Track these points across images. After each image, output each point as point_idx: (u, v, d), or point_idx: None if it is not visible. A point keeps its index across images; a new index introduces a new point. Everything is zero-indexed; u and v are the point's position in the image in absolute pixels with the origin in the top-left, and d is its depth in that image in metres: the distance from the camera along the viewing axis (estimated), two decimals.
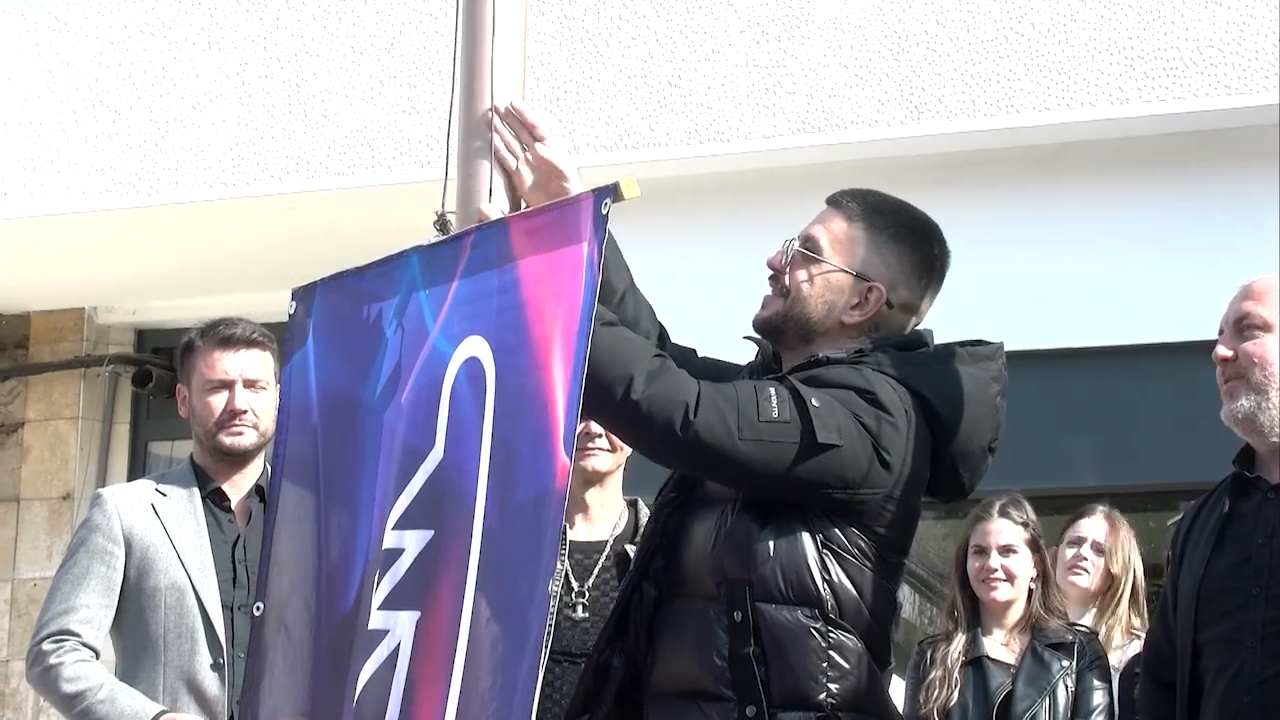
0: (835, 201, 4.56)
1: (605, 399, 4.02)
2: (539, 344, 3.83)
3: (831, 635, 4.17)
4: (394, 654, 4.01)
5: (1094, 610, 7.12)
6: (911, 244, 4.51)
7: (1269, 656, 4.40)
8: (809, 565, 4.15)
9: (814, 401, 4.11)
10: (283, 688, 4.54)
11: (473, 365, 4.02)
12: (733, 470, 4.16)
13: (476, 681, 3.74)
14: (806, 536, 4.17)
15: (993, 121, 8.31)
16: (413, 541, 4.07)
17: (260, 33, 9.29)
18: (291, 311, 4.72)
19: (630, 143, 8.33)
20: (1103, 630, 7.00)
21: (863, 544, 4.20)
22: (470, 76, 4.27)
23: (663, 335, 4.49)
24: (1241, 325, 4.61)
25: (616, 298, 4.35)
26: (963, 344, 4.49)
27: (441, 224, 4.34)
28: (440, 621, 3.90)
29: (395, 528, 4.13)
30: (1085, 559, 7.14)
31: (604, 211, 3.70)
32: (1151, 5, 8.14)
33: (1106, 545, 7.11)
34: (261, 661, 4.57)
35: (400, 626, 4.02)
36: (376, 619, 4.09)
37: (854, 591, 4.19)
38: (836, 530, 4.18)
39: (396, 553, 4.08)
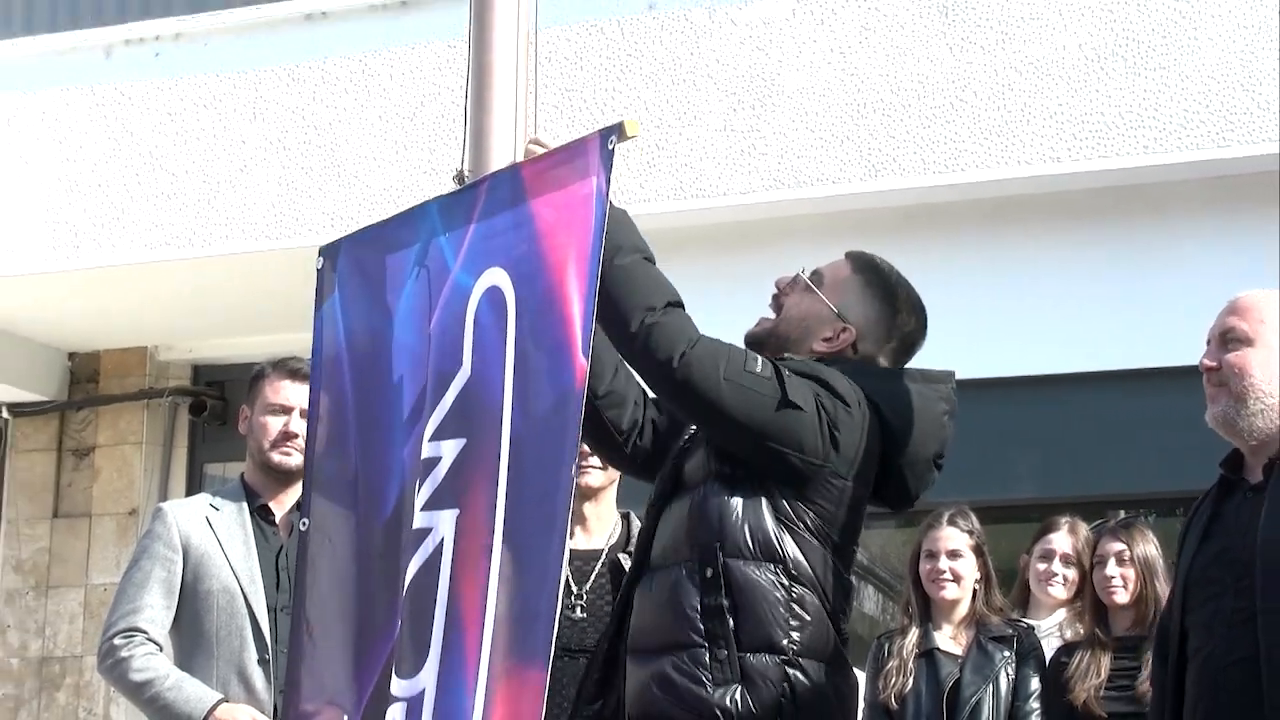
0: (852, 255, 4.67)
1: (623, 321, 4.13)
2: (555, 268, 3.86)
3: (794, 590, 4.18)
4: (438, 548, 4.02)
5: (1065, 612, 7.10)
6: (893, 310, 4.60)
7: (1234, 643, 4.36)
8: (767, 527, 4.18)
9: (786, 374, 4.17)
10: (325, 592, 4.58)
11: (493, 293, 4.04)
12: (713, 411, 4.19)
13: (513, 563, 3.75)
14: (765, 504, 4.19)
15: (941, 179, 8.29)
16: (448, 449, 4.06)
17: (299, 104, 9.28)
18: (320, 266, 4.73)
19: (623, 199, 8.27)
20: (1069, 631, 7.00)
21: (809, 519, 4.22)
22: (479, 142, 4.34)
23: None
24: (1226, 338, 4.56)
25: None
26: (915, 369, 4.55)
27: (459, 180, 4.39)
28: (477, 515, 3.91)
29: (431, 439, 4.13)
30: (1056, 573, 7.11)
31: (610, 148, 3.76)
32: (1079, 76, 8.14)
33: (1074, 555, 7.10)
34: (307, 570, 4.66)
35: (442, 524, 4.02)
36: (419, 519, 4.09)
37: (810, 563, 4.20)
38: (786, 504, 4.19)
39: (434, 461, 4.08)
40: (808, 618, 4.17)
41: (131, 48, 9.78)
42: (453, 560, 3.98)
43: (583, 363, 3.73)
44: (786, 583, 4.16)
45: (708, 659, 4.12)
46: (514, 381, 3.93)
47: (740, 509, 4.19)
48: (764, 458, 4.19)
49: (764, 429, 4.15)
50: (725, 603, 4.14)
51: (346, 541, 4.51)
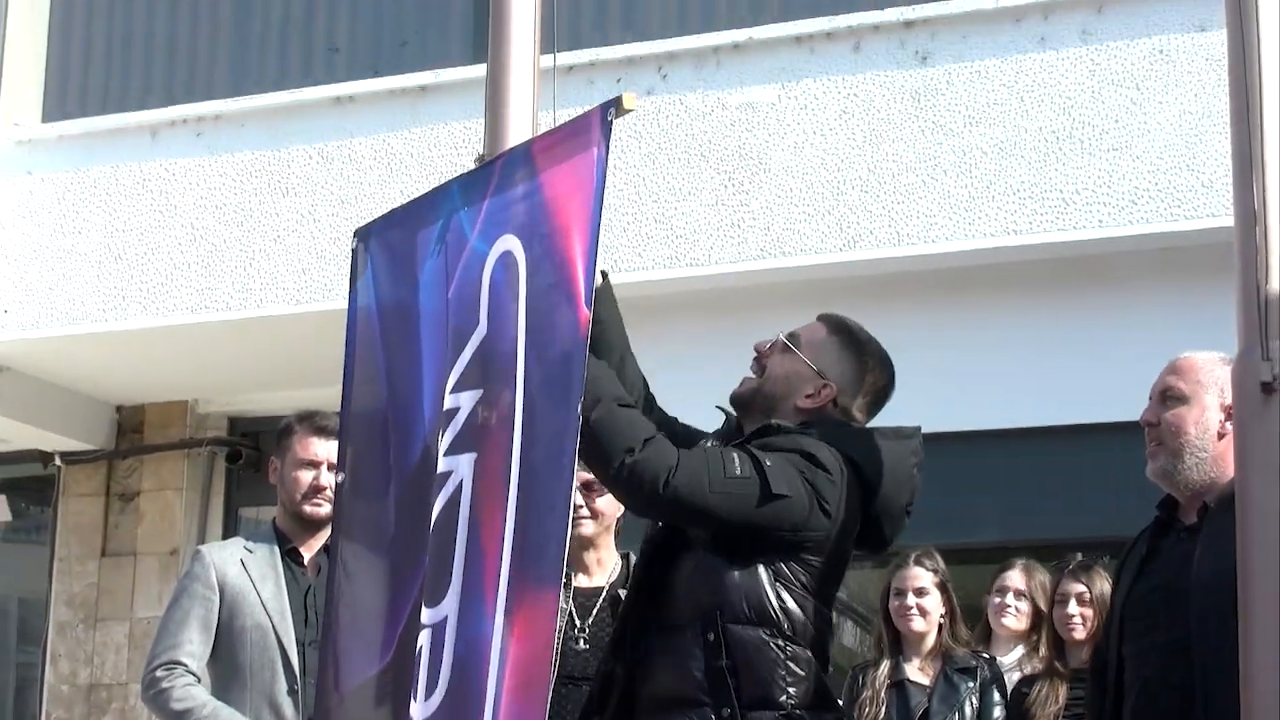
0: (825, 317, 4.70)
1: (606, 464, 4.12)
2: (561, 231, 3.90)
3: (787, 649, 4.21)
4: (458, 488, 4.04)
5: (1024, 647, 7.12)
6: (867, 368, 4.63)
7: (1170, 671, 4.39)
8: (765, 593, 4.21)
9: (767, 461, 4.17)
10: (359, 537, 4.64)
11: (506, 257, 4.07)
12: (705, 517, 4.21)
13: (527, 499, 3.79)
14: (762, 569, 4.22)
15: (913, 250, 8.33)
16: (466, 400, 4.10)
17: (327, 180, 9.31)
18: (354, 248, 4.85)
19: (623, 267, 8.34)
20: (1028, 666, 7.01)
21: (804, 577, 4.25)
22: (495, 126, 4.41)
23: (650, 396, 4.60)
24: (1165, 396, 4.59)
25: (616, 356, 4.46)
26: (887, 427, 4.55)
27: (478, 161, 4.43)
28: (493, 457, 3.94)
29: (452, 392, 4.16)
30: (1009, 605, 7.13)
31: (609, 119, 3.78)
32: (1038, 157, 8.18)
33: (1027, 590, 7.13)
34: (342, 518, 4.73)
35: (461, 466, 4.05)
36: (443, 464, 4.12)
37: (800, 613, 4.23)
38: (783, 565, 4.22)
39: (454, 411, 4.12)
40: (801, 673, 4.21)
41: (175, 129, 9.81)
42: (471, 499, 4.01)
43: (586, 314, 3.75)
44: (781, 643, 4.20)
45: (713, 716, 4.16)
46: (526, 335, 3.97)
47: (737, 577, 4.21)
48: (760, 538, 4.22)
49: (755, 522, 4.18)
50: (726, 664, 4.17)
51: (379, 490, 4.54)
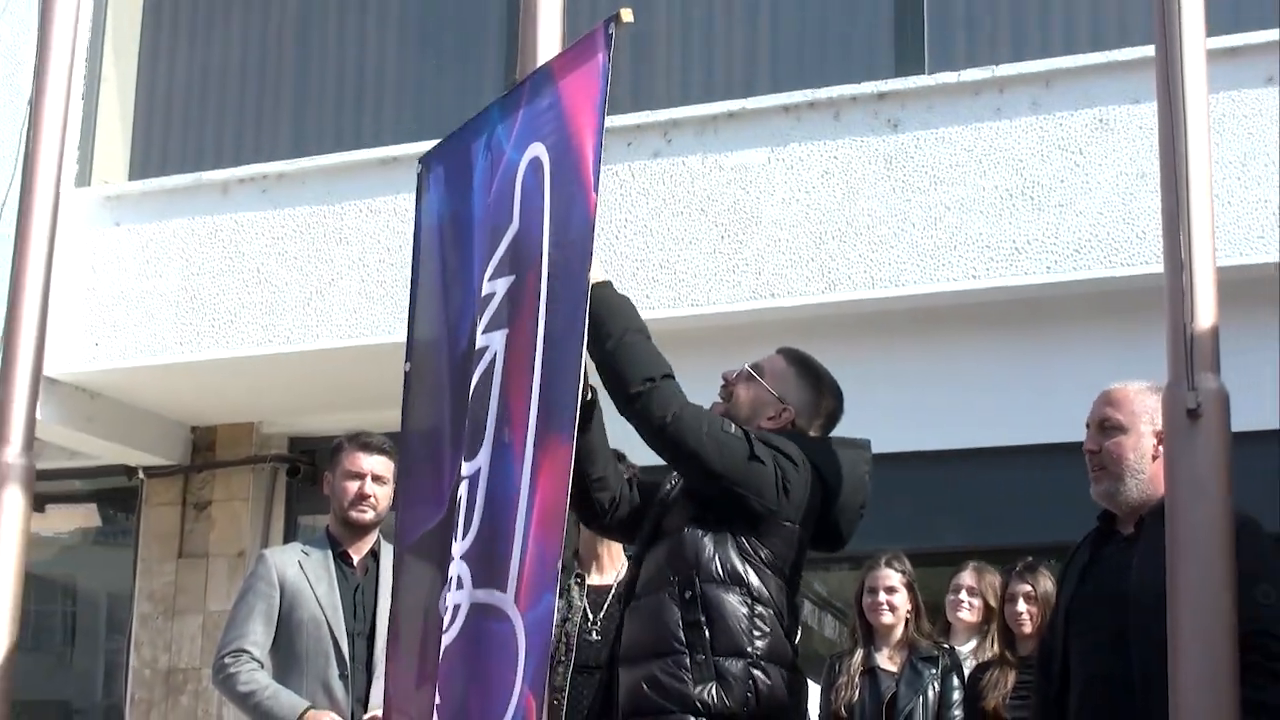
0: (784, 350, 4.72)
1: (625, 386, 4.23)
2: (576, 132, 4.04)
3: (756, 609, 4.22)
4: (492, 360, 4.14)
5: (977, 638, 7.13)
6: (821, 395, 4.69)
7: (1113, 664, 4.37)
8: (734, 561, 4.22)
9: (753, 437, 4.25)
10: (421, 411, 4.71)
11: (535, 162, 4.19)
12: (695, 456, 4.24)
13: (548, 363, 3.90)
14: (730, 541, 4.23)
15: (885, 292, 8.31)
16: (500, 285, 4.18)
17: (375, 230, 9.32)
18: (419, 172, 4.90)
19: None
20: (982, 655, 7.03)
21: (763, 553, 4.27)
22: (525, 58, 4.56)
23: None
24: (1104, 426, 4.58)
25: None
26: (843, 437, 4.64)
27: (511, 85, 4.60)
28: (522, 332, 4.03)
29: (489, 279, 4.24)
30: (963, 601, 7.17)
31: (610, 33, 3.87)
32: (994, 211, 8.16)
33: (979, 589, 7.13)
34: (409, 397, 4.77)
35: (495, 342, 4.14)
36: (480, 341, 4.21)
37: (759, 583, 4.24)
38: (745, 541, 4.25)
39: (490, 295, 4.21)
40: (767, 629, 4.21)
41: (244, 185, 9.82)
42: (503, 368, 4.10)
43: (594, 197, 3.89)
44: (750, 603, 4.20)
45: (688, 662, 4.14)
46: (550, 226, 4.06)
47: (712, 546, 4.23)
48: (730, 500, 4.24)
49: (733, 474, 4.22)
50: (702, 618, 4.17)
51: (434, 370, 4.63)
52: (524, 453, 3.92)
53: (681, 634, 4.16)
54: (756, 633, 4.18)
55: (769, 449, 4.28)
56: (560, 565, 3.74)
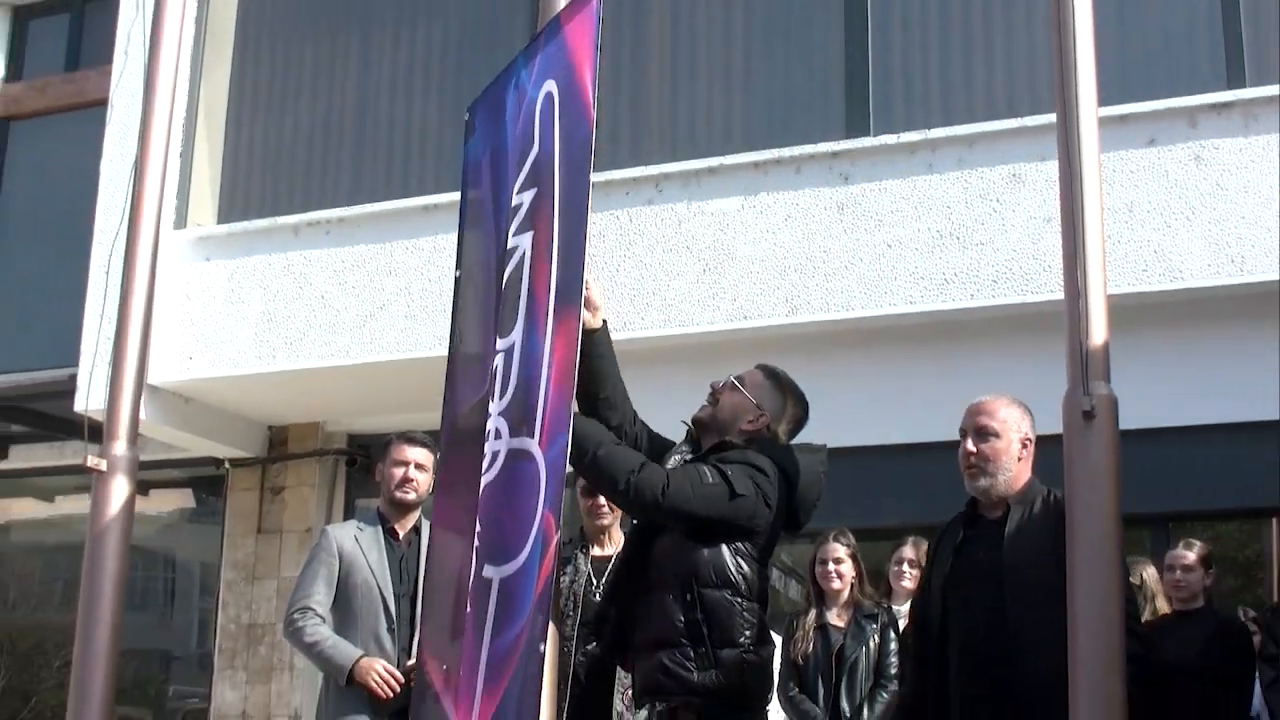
0: (761, 366, 4.74)
1: (614, 485, 4.23)
2: (578, 66, 4.13)
3: (743, 604, 4.26)
4: (522, 257, 4.25)
5: (913, 600, 7.16)
6: (792, 403, 4.70)
7: (989, 627, 4.40)
8: (727, 564, 4.26)
9: (729, 471, 4.23)
10: (469, 308, 4.76)
11: (548, 95, 4.29)
12: (691, 517, 4.24)
13: (562, 253, 4.02)
14: (724, 547, 4.28)
15: (838, 315, 8.32)
16: (526, 196, 4.29)
17: (420, 265, 9.32)
18: (467, 119, 4.98)
19: (629, 328, 8.35)
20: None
21: (752, 550, 4.33)
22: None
23: (634, 411, 4.63)
24: (982, 432, 4.61)
25: (610, 384, 4.54)
26: (804, 444, 4.65)
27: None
28: (543, 231, 4.16)
29: (517, 193, 4.35)
30: (904, 571, 7.18)
31: None
32: (927, 248, 8.18)
33: (916, 559, 7.14)
34: (459, 298, 4.86)
35: (523, 242, 4.24)
36: (511, 242, 4.32)
37: (752, 577, 4.29)
38: (739, 544, 4.28)
39: (519, 206, 4.32)
40: (753, 621, 4.30)
41: (311, 228, 9.82)
42: (530, 261, 4.19)
43: (592, 114, 4.01)
44: (739, 600, 4.26)
45: (691, 654, 4.22)
46: (559, 146, 4.16)
47: (706, 553, 4.28)
48: (723, 528, 4.29)
49: (725, 517, 4.26)
50: (700, 616, 4.23)
51: (481, 274, 4.68)
52: (545, 324, 4.03)
53: (685, 631, 4.23)
54: (745, 626, 4.26)
55: (746, 472, 4.32)
56: (569, 415, 3.86)
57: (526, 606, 3.81)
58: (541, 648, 3.69)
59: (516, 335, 4.20)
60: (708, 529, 4.27)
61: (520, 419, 4.07)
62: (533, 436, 3.98)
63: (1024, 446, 4.59)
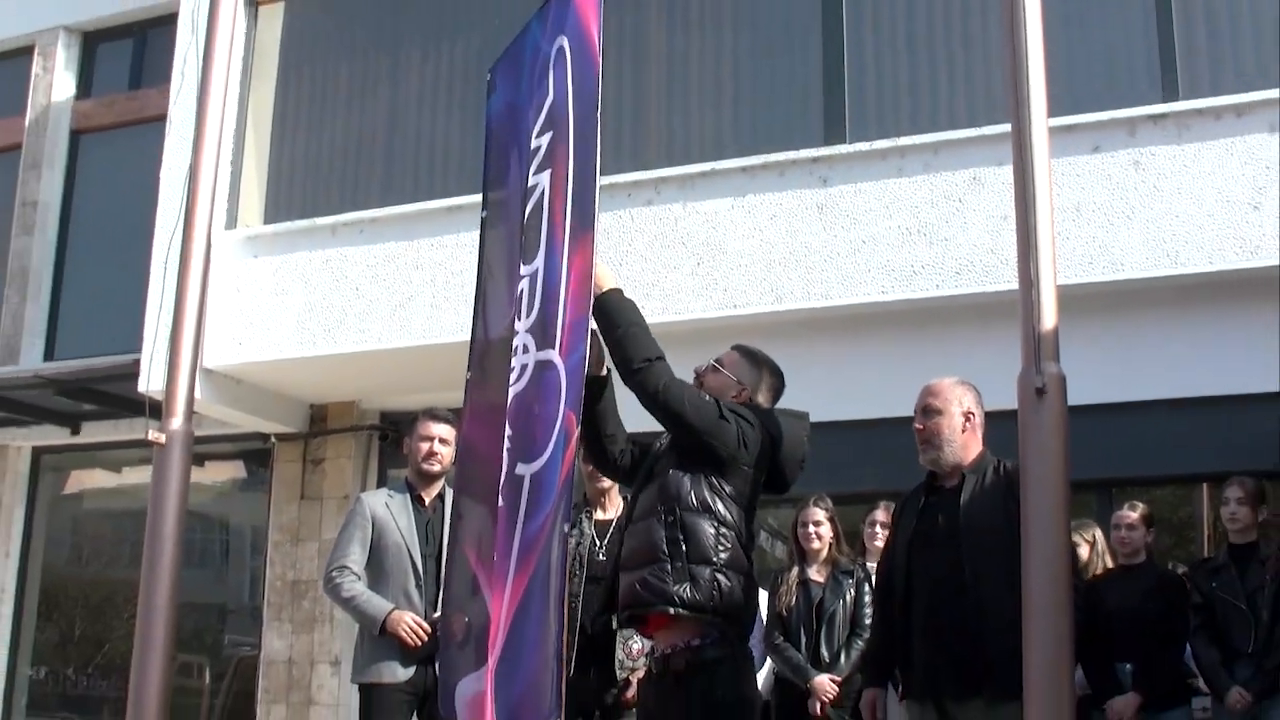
0: (737, 346, 4.71)
1: (628, 364, 4.23)
2: (585, 22, 4.14)
3: (720, 530, 4.21)
4: (541, 193, 4.27)
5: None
6: (767, 373, 4.68)
7: (951, 581, 4.42)
8: (705, 494, 4.21)
9: (721, 404, 4.27)
10: (496, 248, 4.70)
11: (560, 49, 4.32)
12: (679, 415, 4.23)
13: (576, 182, 4.03)
14: (704, 480, 4.23)
15: (819, 303, 8.32)
16: (545, 140, 4.29)
17: (443, 259, 9.28)
18: (488, 80, 4.92)
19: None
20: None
21: (728, 489, 4.27)
22: None
23: (626, 435, 4.60)
24: (927, 411, 4.67)
25: (614, 420, 4.53)
26: (789, 409, 4.63)
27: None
28: (559, 166, 4.16)
29: (536, 137, 4.35)
30: (876, 532, 7.15)
31: None
32: (898, 244, 8.16)
33: (887, 521, 7.11)
34: (486, 238, 4.80)
35: (543, 180, 4.27)
36: (531, 180, 4.33)
37: (729, 514, 4.25)
38: (715, 480, 4.24)
39: (538, 149, 4.34)
40: (729, 546, 4.22)
41: (346, 228, 9.83)
42: (549, 195, 4.21)
43: (598, 60, 4.02)
44: (716, 525, 4.21)
45: (669, 568, 4.16)
46: (572, 92, 4.18)
47: (689, 483, 4.25)
48: (703, 448, 4.26)
49: (706, 427, 4.23)
50: (680, 536, 4.19)
51: (505, 214, 4.65)
52: (563, 248, 4.06)
53: (665, 547, 4.18)
54: (720, 548, 4.19)
55: (733, 413, 4.31)
56: (587, 325, 3.91)
57: (552, 495, 3.85)
58: (564, 527, 3.76)
59: (539, 261, 4.21)
60: (691, 441, 4.25)
61: (543, 333, 4.10)
62: (554, 348, 4.02)
63: (967, 420, 4.64)
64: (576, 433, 3.82)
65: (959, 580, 4.38)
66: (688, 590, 4.13)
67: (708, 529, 4.20)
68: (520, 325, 4.25)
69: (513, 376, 4.23)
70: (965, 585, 4.33)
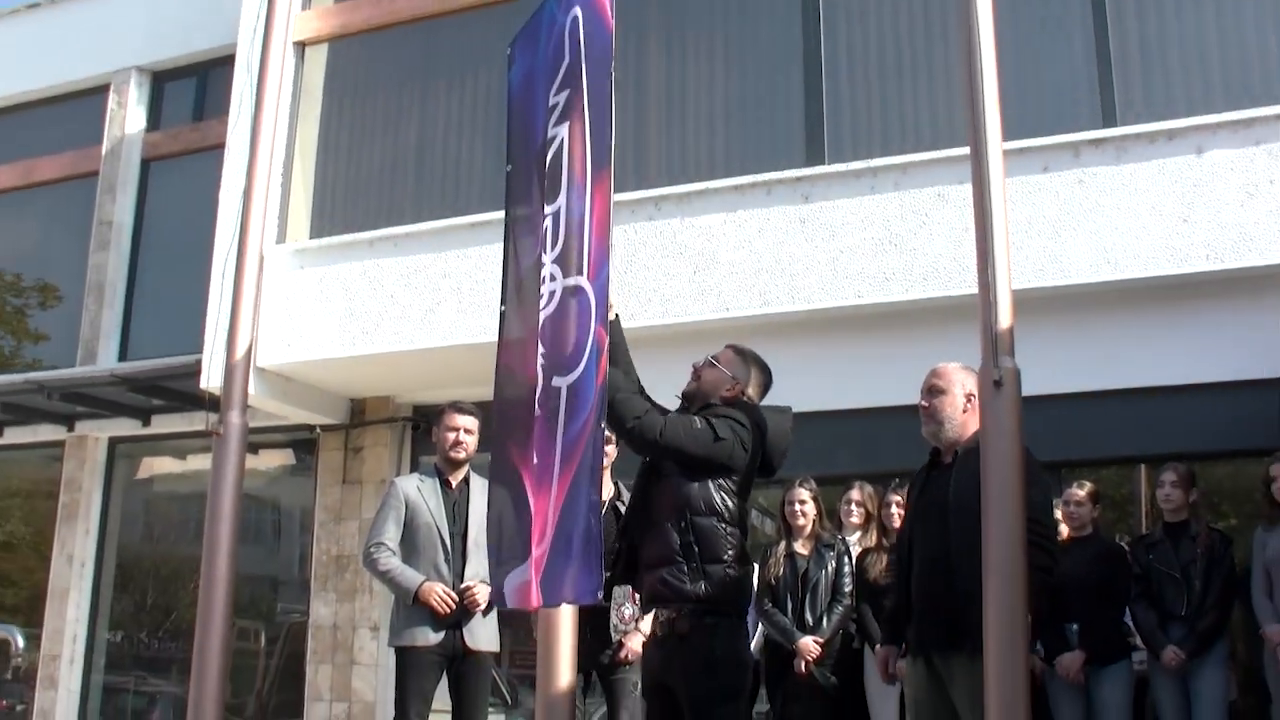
0: (730, 345, 4.71)
1: (622, 424, 4.16)
2: None
3: (726, 530, 4.23)
4: (561, 141, 4.25)
5: (861, 533, 7.10)
6: (757, 371, 4.67)
7: (938, 552, 4.39)
8: (713, 497, 4.21)
9: (713, 421, 4.21)
10: (523, 190, 4.61)
11: (574, 17, 4.28)
12: (681, 453, 4.21)
13: (594, 125, 4.05)
14: (710, 484, 4.23)
15: (802, 306, 8.30)
16: (561, 97, 4.29)
17: (469, 269, 9.20)
18: (508, 54, 4.87)
19: (635, 318, 8.32)
20: (869, 540, 6.97)
21: (733, 486, 4.28)
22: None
23: (641, 387, 4.53)
24: (931, 391, 4.63)
25: (624, 364, 4.42)
26: (773, 405, 4.59)
27: None
28: (576, 119, 4.16)
29: (554, 95, 4.34)
30: (852, 510, 7.13)
31: None
32: (871, 253, 8.15)
33: (862, 500, 7.09)
34: (510, 183, 4.71)
35: (561, 131, 4.29)
36: (551, 132, 4.33)
37: (734, 508, 4.25)
38: (722, 480, 4.23)
39: (556, 104, 4.34)
40: (734, 543, 4.26)
41: (382, 241, 9.77)
42: (569, 142, 4.19)
43: (611, 24, 4.02)
44: (724, 526, 4.24)
45: (685, 569, 4.20)
46: (585, 53, 4.16)
47: (697, 488, 4.25)
48: (707, 465, 4.27)
49: (708, 454, 4.24)
50: (692, 539, 4.22)
51: (528, 168, 4.59)
52: (585, 186, 4.06)
53: (680, 551, 4.21)
54: (727, 547, 4.24)
55: (727, 423, 4.30)
56: (609, 249, 3.94)
57: (589, 400, 3.87)
58: (602, 428, 3.79)
59: (561, 200, 4.21)
60: (696, 465, 4.25)
61: (568, 263, 4.11)
62: (581, 274, 4.03)
63: (968, 400, 4.57)
64: (606, 343, 3.86)
65: (946, 551, 4.36)
66: (703, 587, 4.19)
67: (716, 530, 4.23)
68: (547, 257, 4.24)
69: (543, 303, 4.22)
70: (950, 555, 4.31)
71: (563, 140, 4.27)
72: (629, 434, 4.22)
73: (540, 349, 4.21)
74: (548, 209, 4.31)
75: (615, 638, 5.83)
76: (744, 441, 4.30)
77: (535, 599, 3.99)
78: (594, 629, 5.70)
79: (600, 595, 3.83)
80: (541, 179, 4.42)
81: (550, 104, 4.41)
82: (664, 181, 9.04)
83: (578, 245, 4.07)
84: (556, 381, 4.08)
